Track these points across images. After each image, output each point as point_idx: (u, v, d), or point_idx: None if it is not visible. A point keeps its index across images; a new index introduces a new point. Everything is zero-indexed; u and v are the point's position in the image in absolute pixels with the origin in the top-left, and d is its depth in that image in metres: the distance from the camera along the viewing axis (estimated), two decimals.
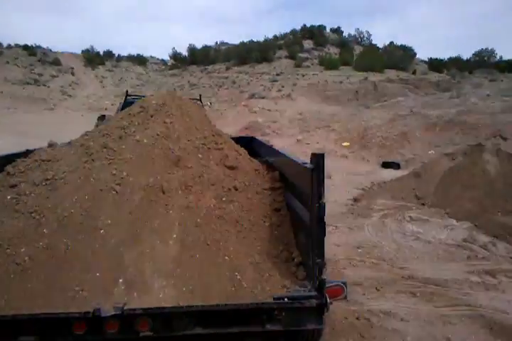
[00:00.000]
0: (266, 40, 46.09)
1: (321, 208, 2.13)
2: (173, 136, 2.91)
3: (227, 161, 2.94)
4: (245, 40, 46.98)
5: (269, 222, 2.67)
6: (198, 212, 2.45)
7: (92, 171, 2.66)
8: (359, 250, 5.78)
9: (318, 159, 2.13)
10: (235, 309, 2.14)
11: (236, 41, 66.07)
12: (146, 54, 62.68)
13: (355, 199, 8.90)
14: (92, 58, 44.89)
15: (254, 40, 46.24)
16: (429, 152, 13.91)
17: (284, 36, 47.65)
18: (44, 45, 47.74)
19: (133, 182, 2.56)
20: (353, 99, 25.47)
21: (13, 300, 2.06)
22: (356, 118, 19.10)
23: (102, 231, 2.33)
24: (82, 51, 47.29)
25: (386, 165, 13.13)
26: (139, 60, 50.41)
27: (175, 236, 2.32)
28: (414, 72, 33.38)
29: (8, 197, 2.59)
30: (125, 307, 2.03)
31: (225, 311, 2.14)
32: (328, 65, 36.76)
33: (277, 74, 44.24)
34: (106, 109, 31.86)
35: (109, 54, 48.69)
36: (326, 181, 2.16)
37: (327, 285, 2.27)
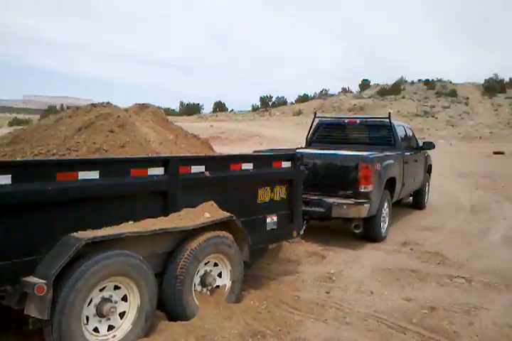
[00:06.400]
0: None
1: None
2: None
3: None
4: None
5: None
6: None
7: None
8: None
9: None
10: None
11: None
12: None
13: None
14: (492, 86, 43.09)
15: None
16: None
17: None
18: (445, 79, 49.55)
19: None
20: None
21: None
22: None
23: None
24: (485, 80, 46.05)
25: None
26: None
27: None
28: None
29: None
30: None
31: None
32: None
33: None
34: (480, 137, 29.96)
35: None
36: None
37: None
